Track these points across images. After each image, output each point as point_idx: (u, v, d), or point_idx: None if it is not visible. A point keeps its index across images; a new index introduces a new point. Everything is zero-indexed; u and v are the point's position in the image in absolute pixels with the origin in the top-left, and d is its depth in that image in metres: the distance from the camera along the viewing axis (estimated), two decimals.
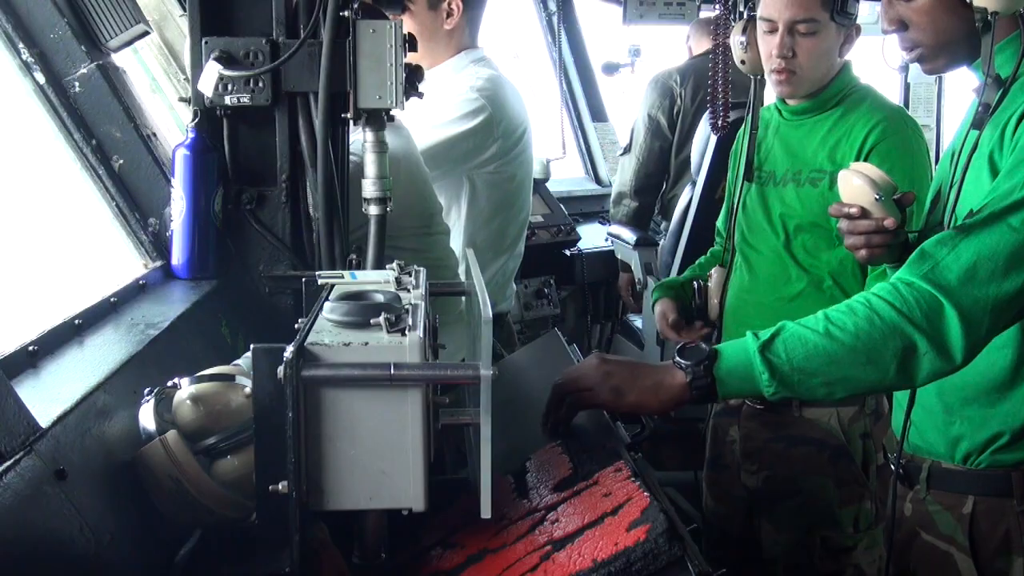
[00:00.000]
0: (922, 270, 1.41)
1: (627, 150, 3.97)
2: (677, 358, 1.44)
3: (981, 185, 1.50)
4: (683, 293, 2.41)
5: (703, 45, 3.89)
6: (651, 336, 3.39)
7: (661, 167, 3.90)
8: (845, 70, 2.22)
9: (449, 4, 2.56)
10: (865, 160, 2.08)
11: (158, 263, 1.90)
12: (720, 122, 2.71)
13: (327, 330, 1.18)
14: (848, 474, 2.21)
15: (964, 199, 1.53)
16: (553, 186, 4.12)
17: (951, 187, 1.58)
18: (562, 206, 4.01)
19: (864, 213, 1.57)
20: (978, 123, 1.52)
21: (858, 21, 2.22)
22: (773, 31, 2.15)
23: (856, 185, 1.58)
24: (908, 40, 1.58)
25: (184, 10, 1.96)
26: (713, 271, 2.38)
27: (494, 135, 2.52)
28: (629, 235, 3.61)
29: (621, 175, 4.01)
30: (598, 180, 4.90)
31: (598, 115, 5.02)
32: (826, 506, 2.22)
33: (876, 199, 1.55)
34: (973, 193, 1.51)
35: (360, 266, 1.85)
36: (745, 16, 2.33)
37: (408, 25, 2.49)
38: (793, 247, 2.22)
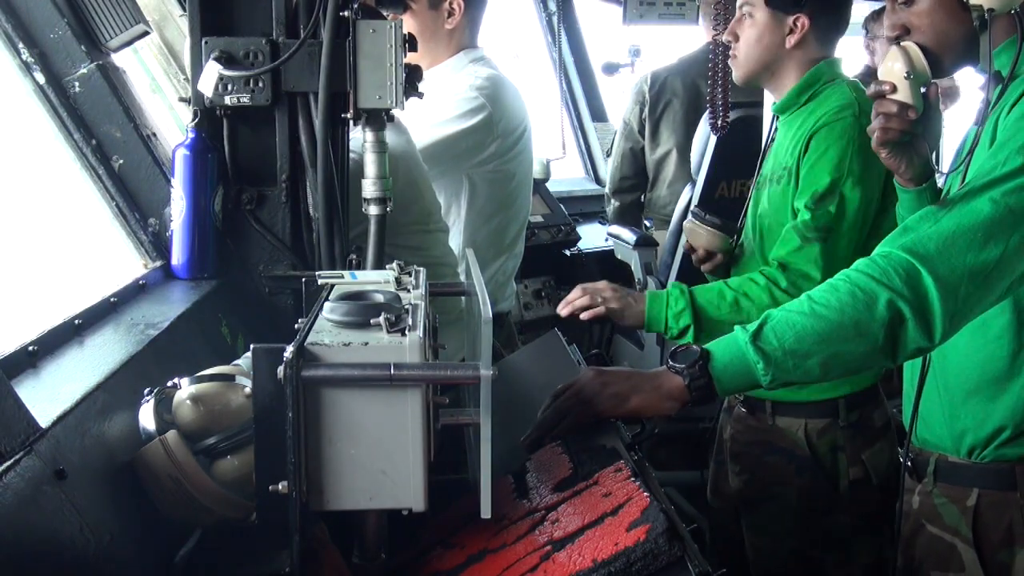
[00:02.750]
0: (902, 241, 1.43)
1: (608, 153, 4.17)
2: (671, 362, 1.45)
3: None
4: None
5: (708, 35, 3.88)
6: (651, 336, 3.38)
7: (636, 168, 4.02)
8: (820, 66, 2.15)
9: (450, 4, 2.56)
10: (805, 151, 2.06)
11: (158, 263, 1.90)
12: (720, 122, 2.71)
13: (327, 330, 1.18)
14: (813, 486, 2.17)
15: None
16: (553, 186, 4.12)
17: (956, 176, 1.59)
18: (562, 206, 4.01)
19: (894, 89, 1.56)
20: (979, 119, 1.54)
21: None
22: None
23: (894, 62, 1.56)
24: None
25: (184, 10, 1.96)
26: None
27: (494, 134, 2.53)
28: (629, 235, 3.61)
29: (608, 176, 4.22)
30: (598, 180, 4.90)
31: (598, 115, 5.02)
32: (792, 517, 2.19)
33: (905, 77, 1.54)
34: None
35: (360, 266, 1.85)
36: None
37: (409, 24, 2.50)
38: (765, 249, 2.15)
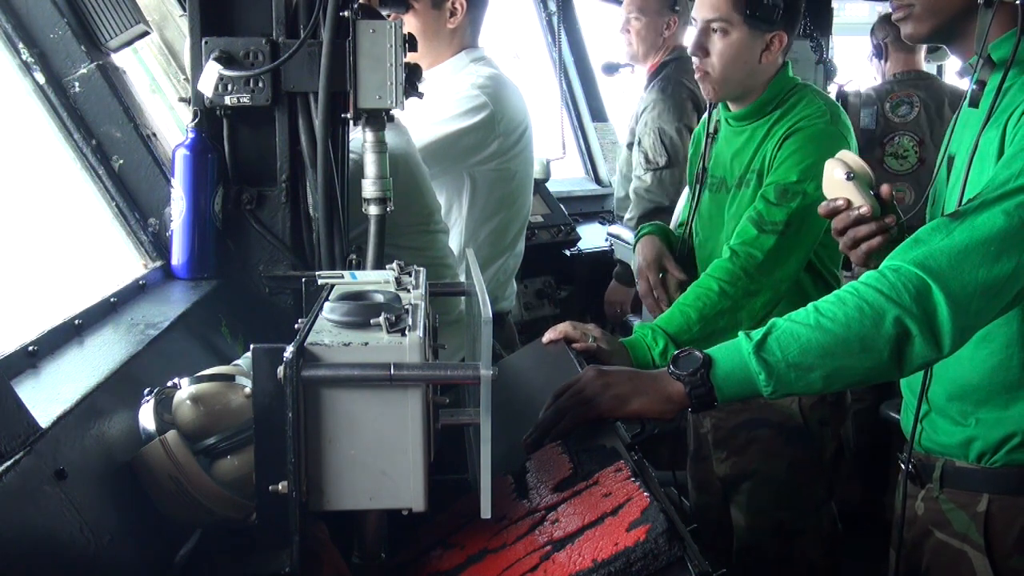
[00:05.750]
0: (913, 255, 1.41)
1: (669, 163, 3.63)
2: (672, 368, 1.44)
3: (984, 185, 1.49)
4: (670, 238, 2.37)
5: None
6: None
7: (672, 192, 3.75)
8: (780, 74, 2.19)
9: (453, 3, 2.57)
10: (776, 152, 2.11)
11: (158, 263, 1.90)
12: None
13: (327, 330, 1.18)
14: (803, 456, 2.26)
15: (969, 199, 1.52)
16: (553, 186, 4.12)
17: (949, 185, 1.58)
18: (562, 206, 4.01)
19: (849, 204, 1.53)
20: (975, 100, 1.51)
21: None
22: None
23: (832, 174, 1.55)
24: None
25: (184, 10, 1.96)
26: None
27: (495, 132, 2.53)
28: (629, 235, 3.60)
29: (661, 188, 3.63)
30: (598, 180, 4.90)
31: (598, 115, 5.01)
32: (778, 487, 2.27)
33: (847, 178, 1.52)
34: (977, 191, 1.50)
35: (360, 266, 1.85)
36: None
37: (411, 24, 2.50)
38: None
